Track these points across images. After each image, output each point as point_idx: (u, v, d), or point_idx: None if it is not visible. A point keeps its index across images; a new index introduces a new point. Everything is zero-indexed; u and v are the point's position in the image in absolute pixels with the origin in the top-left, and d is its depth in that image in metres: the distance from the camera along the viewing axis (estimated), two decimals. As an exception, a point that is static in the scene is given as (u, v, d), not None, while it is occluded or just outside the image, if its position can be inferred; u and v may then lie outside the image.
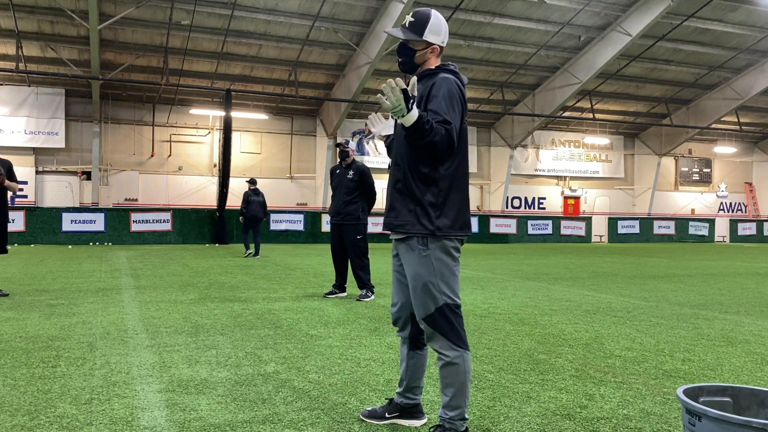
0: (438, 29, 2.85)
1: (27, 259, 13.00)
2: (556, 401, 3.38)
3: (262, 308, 6.51)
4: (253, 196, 14.71)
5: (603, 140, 28.69)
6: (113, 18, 17.14)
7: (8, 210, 7.47)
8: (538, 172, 28.65)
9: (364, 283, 7.39)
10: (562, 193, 29.33)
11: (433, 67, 2.86)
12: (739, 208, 32.90)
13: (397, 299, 2.98)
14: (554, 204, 29.21)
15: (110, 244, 19.60)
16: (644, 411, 3.25)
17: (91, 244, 19.32)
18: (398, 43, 2.94)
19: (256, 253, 14.45)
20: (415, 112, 2.53)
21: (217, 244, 20.16)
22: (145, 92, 22.31)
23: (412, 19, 2.86)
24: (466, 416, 2.74)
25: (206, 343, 4.75)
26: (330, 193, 8.53)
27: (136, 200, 22.76)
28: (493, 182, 27.84)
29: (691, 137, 28.85)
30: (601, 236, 27.29)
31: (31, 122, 20.96)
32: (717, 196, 32.14)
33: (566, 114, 26.50)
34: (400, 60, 2.92)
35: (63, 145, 21.45)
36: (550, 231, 25.98)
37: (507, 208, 27.70)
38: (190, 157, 23.58)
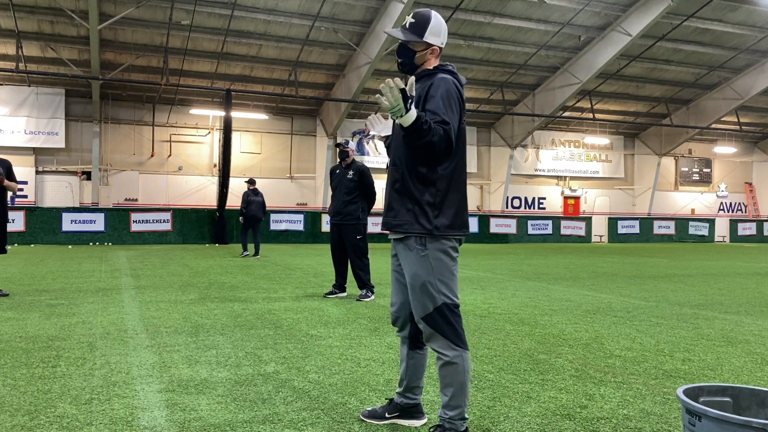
0: (438, 30, 2.86)
1: (27, 259, 13.01)
2: (556, 401, 3.38)
3: (262, 308, 6.51)
4: (252, 196, 14.71)
5: (603, 140, 28.69)
6: (113, 18, 17.14)
7: (8, 210, 7.47)
8: (538, 172, 28.65)
9: (364, 283, 7.39)
10: (562, 193, 29.33)
11: (431, 67, 2.87)
12: (739, 208, 32.90)
13: (396, 299, 2.99)
14: (554, 204, 29.21)
15: (110, 244, 19.60)
16: (644, 411, 3.25)
17: (91, 244, 19.32)
18: (398, 44, 2.94)
19: (256, 253, 14.45)
20: (413, 113, 2.54)
21: (217, 244, 20.16)
22: (145, 92, 22.31)
23: (413, 20, 2.86)
24: (466, 416, 2.74)
25: (206, 343, 4.75)
26: (330, 193, 8.54)
27: (136, 200, 22.77)
28: (493, 182, 27.84)
29: (691, 137, 28.85)
30: (601, 236, 27.29)
31: (31, 122, 20.96)
32: (717, 196, 32.14)
33: (566, 114, 26.50)
34: (399, 61, 2.93)
35: (63, 145, 21.45)
36: (550, 231, 25.98)
37: (507, 208, 27.71)
38: (190, 157, 23.59)
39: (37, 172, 21.57)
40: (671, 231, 28.20)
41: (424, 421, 3.05)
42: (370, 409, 3.10)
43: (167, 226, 20.43)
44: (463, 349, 2.74)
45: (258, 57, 20.79)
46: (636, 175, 30.52)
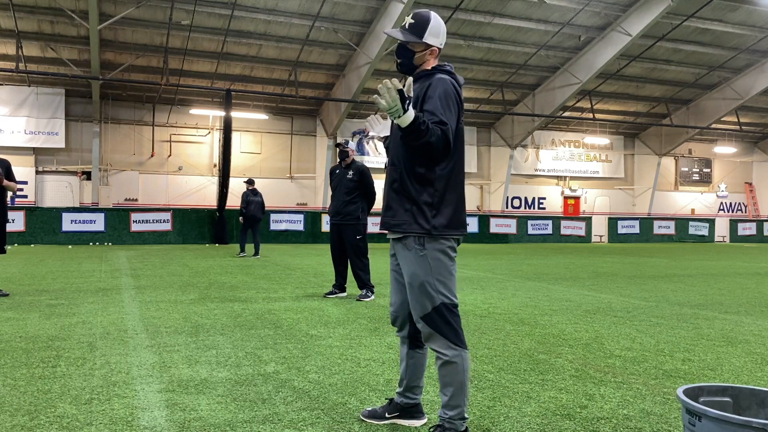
0: (437, 31, 2.87)
1: (27, 259, 13.01)
2: (556, 401, 3.38)
3: (262, 308, 6.51)
4: (251, 196, 14.72)
5: (603, 140, 28.69)
6: (113, 18, 17.14)
7: (8, 210, 7.47)
8: (538, 172, 28.65)
9: (364, 283, 7.39)
10: (562, 193, 29.33)
11: (430, 67, 2.87)
12: (739, 208, 32.90)
13: (395, 298, 2.99)
14: (554, 204, 29.21)
15: (110, 244, 19.60)
16: (644, 411, 3.25)
17: (91, 244, 19.32)
18: (397, 44, 2.94)
19: (256, 253, 14.45)
20: (411, 113, 2.54)
21: (217, 244, 20.16)
22: (145, 92, 22.32)
23: (412, 21, 2.87)
24: (466, 415, 2.74)
25: (206, 343, 4.75)
26: (330, 193, 8.53)
27: (136, 200, 22.77)
28: (493, 182, 27.84)
29: (691, 137, 28.85)
30: (601, 236, 27.29)
31: (31, 122, 20.96)
32: (717, 196, 32.14)
33: (566, 114, 26.50)
34: (398, 61, 2.93)
35: (63, 145, 21.45)
36: (550, 231, 25.98)
37: (507, 208, 27.70)
38: (190, 157, 23.59)
39: (37, 172, 21.57)
40: (671, 231, 28.20)
41: (424, 421, 3.05)
42: (370, 409, 3.11)
43: (167, 226, 20.43)
44: (462, 349, 2.74)
45: (258, 57, 20.79)
46: (636, 175, 30.52)
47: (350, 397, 3.41)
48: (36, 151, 21.48)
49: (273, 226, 21.67)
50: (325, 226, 21.92)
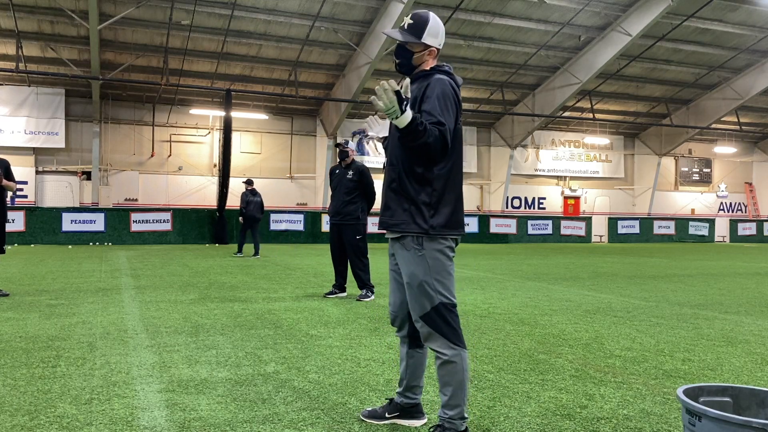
0: (436, 32, 2.87)
1: (27, 259, 13.01)
2: (556, 401, 3.38)
3: (262, 308, 6.51)
4: (250, 196, 14.73)
5: (603, 140, 28.69)
6: (113, 18, 17.14)
7: (7, 210, 7.47)
8: (538, 172, 28.65)
9: (364, 283, 7.39)
10: (562, 193, 29.33)
11: (428, 68, 2.88)
12: (739, 208, 32.90)
13: (394, 298, 2.99)
14: (554, 204, 29.21)
15: (110, 244, 19.60)
16: (644, 411, 3.25)
17: (91, 244, 19.32)
18: (396, 45, 2.95)
19: (256, 253, 14.45)
20: (408, 114, 2.55)
21: (217, 244, 20.16)
22: (145, 92, 22.31)
23: (411, 22, 2.87)
24: (466, 415, 2.74)
25: (206, 343, 4.75)
26: (330, 193, 8.53)
27: (136, 200, 22.77)
28: (493, 182, 27.84)
29: (691, 137, 28.85)
30: (601, 236, 27.29)
31: (31, 122, 20.96)
32: (717, 196, 32.14)
33: (566, 114, 26.50)
34: (397, 61, 2.93)
35: (63, 145, 21.45)
36: (550, 231, 25.98)
37: (507, 208, 27.70)
38: (190, 157, 23.59)
39: (37, 172, 21.57)
40: (671, 231, 28.20)
41: (424, 421, 3.05)
42: (370, 409, 3.11)
43: (167, 226, 20.43)
44: (461, 348, 2.74)
45: (258, 57, 20.79)
46: (636, 175, 30.52)
47: (350, 397, 3.41)
48: (36, 151, 21.48)
49: (273, 226, 21.67)
50: (325, 226, 21.92)
